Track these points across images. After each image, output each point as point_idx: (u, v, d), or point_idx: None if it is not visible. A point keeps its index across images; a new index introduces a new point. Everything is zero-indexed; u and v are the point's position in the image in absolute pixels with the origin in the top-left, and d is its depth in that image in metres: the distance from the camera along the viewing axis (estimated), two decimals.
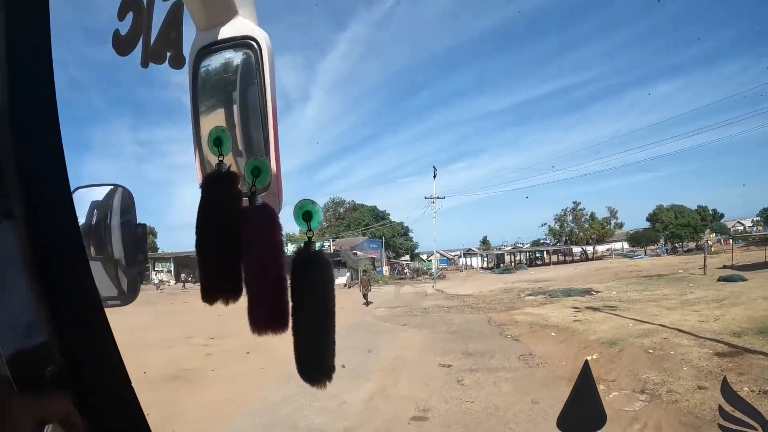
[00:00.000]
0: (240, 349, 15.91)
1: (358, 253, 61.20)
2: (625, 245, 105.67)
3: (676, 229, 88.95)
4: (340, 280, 54.56)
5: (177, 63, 1.47)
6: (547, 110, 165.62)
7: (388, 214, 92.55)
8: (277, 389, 11.63)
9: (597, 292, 32.52)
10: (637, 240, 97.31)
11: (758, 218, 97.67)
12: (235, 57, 1.49)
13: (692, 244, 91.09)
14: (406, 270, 78.56)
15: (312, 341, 1.14)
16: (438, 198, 49.87)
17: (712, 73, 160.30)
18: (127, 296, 1.46)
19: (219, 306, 1.19)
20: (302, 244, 1.16)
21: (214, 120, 1.47)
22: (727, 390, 2.02)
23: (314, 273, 1.14)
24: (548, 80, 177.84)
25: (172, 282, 68.97)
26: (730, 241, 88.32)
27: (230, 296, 1.20)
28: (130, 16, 1.43)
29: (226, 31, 1.46)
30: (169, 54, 1.46)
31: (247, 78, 1.47)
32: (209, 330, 19.71)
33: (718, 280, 33.33)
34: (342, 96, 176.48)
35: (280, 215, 1.22)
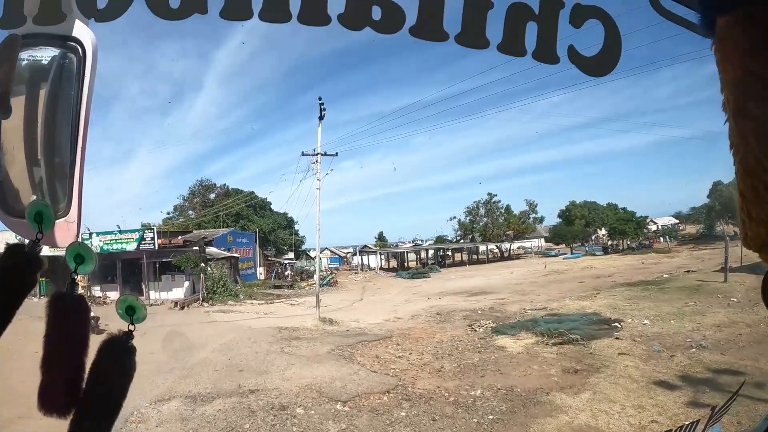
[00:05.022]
0: None
1: (213, 250, 42.29)
2: (542, 242, 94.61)
3: (618, 224, 75.75)
4: (175, 293, 36.25)
5: (1, 111, 1.33)
6: (437, 113, 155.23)
7: (270, 203, 75.49)
8: None
9: (620, 322, 19.24)
10: (562, 236, 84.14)
11: (675, 219, 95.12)
12: (56, 55, 1.47)
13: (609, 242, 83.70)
14: (288, 272, 61.14)
15: (93, 427, 1.14)
16: (327, 155, 31.10)
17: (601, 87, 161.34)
18: None
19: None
20: (121, 335, 1.19)
21: (16, 113, 1.39)
22: None
23: (117, 367, 1.17)
24: (440, 84, 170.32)
25: None
26: (660, 239, 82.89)
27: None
28: None
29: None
30: None
31: (64, 82, 1.47)
32: None
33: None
34: (234, 88, 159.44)
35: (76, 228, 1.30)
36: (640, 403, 10.55)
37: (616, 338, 16.35)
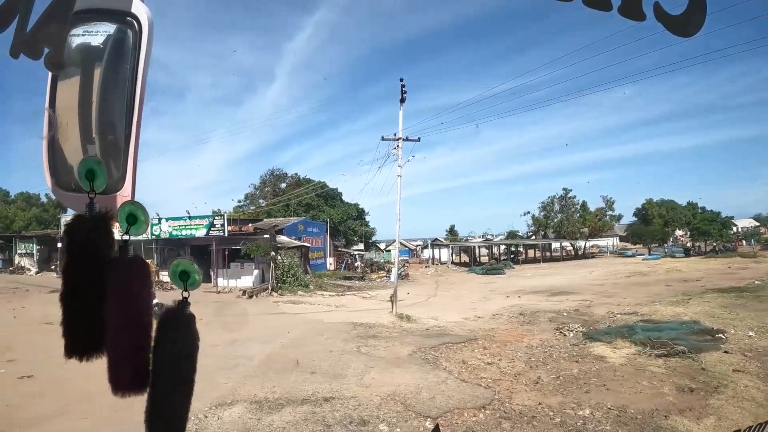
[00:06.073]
0: None
1: (284, 238, 41.61)
2: (616, 242, 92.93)
3: (702, 225, 71.53)
4: (244, 281, 35.70)
5: (54, 65, 1.35)
6: (505, 106, 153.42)
7: (340, 193, 75.60)
8: None
9: (723, 332, 16.79)
10: (640, 236, 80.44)
11: (755, 222, 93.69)
12: (112, 31, 1.47)
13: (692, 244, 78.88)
14: (358, 263, 60.72)
15: (165, 402, 1.14)
16: (409, 140, 29.48)
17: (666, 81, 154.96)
18: None
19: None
20: (176, 304, 1.17)
21: (71, 89, 1.45)
22: None
23: (180, 338, 1.15)
24: (508, 77, 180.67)
25: (33, 269, 51.79)
26: (743, 242, 79.86)
27: (95, 353, 1.18)
28: None
29: None
30: (46, 50, 1.29)
31: (120, 58, 1.47)
32: None
33: None
34: (303, 80, 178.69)
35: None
36: None
37: (725, 352, 14.45)
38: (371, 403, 10.41)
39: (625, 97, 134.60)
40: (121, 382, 1.13)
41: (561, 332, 17.97)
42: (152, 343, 1.15)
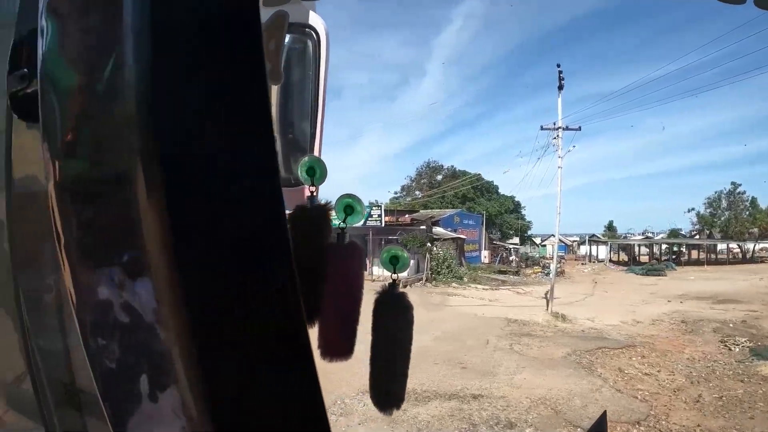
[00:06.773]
0: None
1: (440, 230, 42.04)
2: None
3: None
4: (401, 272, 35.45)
5: (274, 79, 1.48)
6: (666, 92, 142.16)
7: (496, 186, 75.09)
8: None
9: None
10: None
11: None
12: (292, 43, 1.63)
13: None
14: (512, 257, 60.08)
15: (386, 375, 1.23)
16: (568, 129, 28.84)
17: None
18: None
19: None
20: (387, 285, 1.23)
21: None
22: None
23: (396, 317, 1.21)
24: (667, 60, 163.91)
25: None
26: None
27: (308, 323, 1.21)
28: None
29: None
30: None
31: (298, 64, 1.67)
32: None
33: None
34: (456, 71, 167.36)
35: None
36: None
37: None
38: (520, 405, 10.39)
39: None
40: (331, 349, 1.22)
41: (726, 346, 16.83)
42: (372, 317, 1.22)
